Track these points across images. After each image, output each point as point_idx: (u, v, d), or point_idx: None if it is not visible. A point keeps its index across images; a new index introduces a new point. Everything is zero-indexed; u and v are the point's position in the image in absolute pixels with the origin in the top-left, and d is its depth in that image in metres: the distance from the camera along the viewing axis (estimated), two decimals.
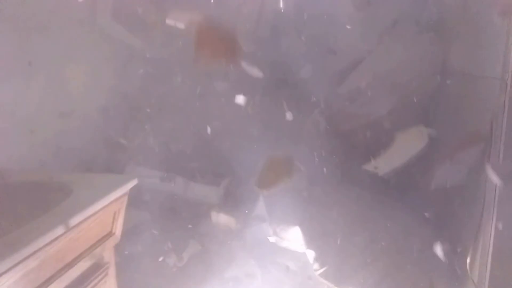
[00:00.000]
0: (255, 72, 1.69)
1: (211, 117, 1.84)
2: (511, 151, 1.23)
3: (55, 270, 0.93)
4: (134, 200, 1.29)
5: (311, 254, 1.73)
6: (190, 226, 1.78)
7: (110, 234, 1.16)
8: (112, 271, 1.18)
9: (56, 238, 0.89)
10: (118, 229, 1.19)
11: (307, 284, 1.72)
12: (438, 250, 1.50)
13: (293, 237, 1.76)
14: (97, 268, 1.10)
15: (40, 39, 1.47)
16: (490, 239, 1.25)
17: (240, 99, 1.75)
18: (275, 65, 1.83)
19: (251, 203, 1.81)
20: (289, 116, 1.76)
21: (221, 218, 1.80)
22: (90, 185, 1.15)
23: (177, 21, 1.70)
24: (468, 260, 1.41)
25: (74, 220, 0.95)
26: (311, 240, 1.72)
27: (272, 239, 1.79)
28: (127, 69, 1.81)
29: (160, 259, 1.70)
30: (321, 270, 1.70)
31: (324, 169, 1.76)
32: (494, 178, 1.23)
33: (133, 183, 1.20)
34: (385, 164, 1.66)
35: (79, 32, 1.65)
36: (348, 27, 1.76)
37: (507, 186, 1.21)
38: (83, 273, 1.03)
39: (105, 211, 1.08)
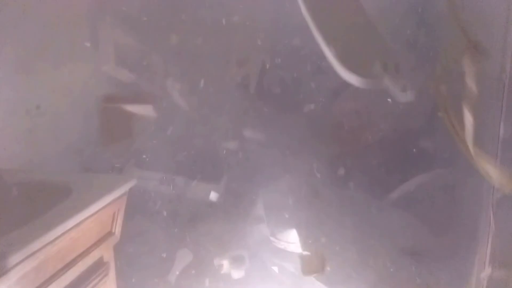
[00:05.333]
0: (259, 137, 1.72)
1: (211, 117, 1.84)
2: None
3: (54, 270, 0.93)
4: (134, 200, 1.29)
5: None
6: (188, 225, 1.78)
7: (109, 234, 1.17)
8: (112, 271, 1.19)
9: (56, 238, 0.89)
10: (117, 229, 1.20)
11: (303, 284, 1.73)
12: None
13: (290, 239, 1.76)
14: (96, 268, 1.10)
15: (40, 37, 1.48)
16: (488, 241, 1.26)
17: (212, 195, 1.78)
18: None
19: (250, 204, 1.81)
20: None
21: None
22: (90, 185, 1.15)
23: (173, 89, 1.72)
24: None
25: (74, 220, 0.95)
26: (308, 242, 1.72)
27: (270, 240, 1.80)
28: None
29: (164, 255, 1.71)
30: None
31: (322, 175, 1.76)
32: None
33: (132, 183, 1.21)
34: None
35: (79, 34, 1.65)
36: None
37: None
38: (82, 273, 1.04)
39: (104, 211, 1.09)
